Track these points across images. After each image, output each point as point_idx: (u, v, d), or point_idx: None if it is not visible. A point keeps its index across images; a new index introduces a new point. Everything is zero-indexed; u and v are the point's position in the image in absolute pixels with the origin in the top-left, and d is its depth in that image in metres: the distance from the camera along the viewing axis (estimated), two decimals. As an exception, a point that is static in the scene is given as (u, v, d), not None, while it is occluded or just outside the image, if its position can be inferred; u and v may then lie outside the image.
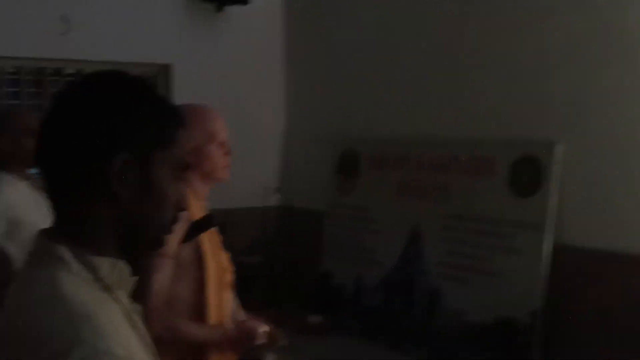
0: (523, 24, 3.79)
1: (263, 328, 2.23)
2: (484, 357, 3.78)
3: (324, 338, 4.55)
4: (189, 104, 2.43)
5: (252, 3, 5.18)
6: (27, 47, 4.56)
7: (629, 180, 3.35)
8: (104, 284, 1.05)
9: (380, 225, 4.60)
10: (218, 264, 2.26)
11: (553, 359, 3.54)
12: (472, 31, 4.09)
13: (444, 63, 4.27)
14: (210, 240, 2.26)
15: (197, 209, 2.24)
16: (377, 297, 4.52)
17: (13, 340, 0.98)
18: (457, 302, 3.98)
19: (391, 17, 4.68)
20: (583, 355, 3.45)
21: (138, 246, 1.11)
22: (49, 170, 1.08)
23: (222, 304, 2.26)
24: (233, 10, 5.20)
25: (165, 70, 5.17)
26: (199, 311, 2.20)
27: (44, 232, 1.09)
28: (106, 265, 1.06)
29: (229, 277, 2.33)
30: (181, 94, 4.93)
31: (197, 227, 2.17)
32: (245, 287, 4.75)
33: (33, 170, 3.02)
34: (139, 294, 1.97)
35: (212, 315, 2.21)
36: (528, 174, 3.73)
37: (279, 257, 5.42)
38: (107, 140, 1.04)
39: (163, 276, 2.11)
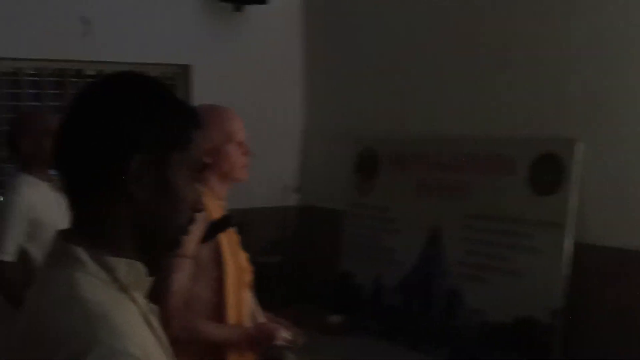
0: (544, 23, 3.77)
1: (282, 328, 2.23)
2: (504, 357, 3.76)
3: (343, 338, 4.55)
4: (207, 104, 2.44)
5: (270, 3, 5.19)
6: (48, 48, 4.60)
7: (650, 179, 3.31)
8: (121, 284, 1.06)
9: (400, 225, 4.59)
10: (237, 264, 2.27)
11: (573, 358, 3.52)
12: (492, 30, 4.07)
13: (463, 61, 4.25)
14: (228, 240, 2.26)
15: (215, 209, 2.24)
16: (396, 297, 4.51)
17: (33, 341, 0.99)
18: (477, 302, 3.96)
19: (411, 16, 4.66)
20: (603, 355, 3.42)
21: (155, 247, 1.12)
22: (67, 171, 1.09)
23: (241, 304, 2.26)
24: (252, 10, 5.21)
25: (184, 70, 5.19)
26: (217, 311, 2.20)
27: (62, 233, 1.09)
28: (123, 265, 1.06)
29: (247, 277, 2.34)
30: (201, 95, 4.95)
31: (216, 227, 2.18)
32: (265, 287, 4.76)
33: (54, 172, 3.05)
34: (157, 295, 1.98)
35: (231, 315, 2.21)
36: (548, 173, 3.70)
37: (298, 257, 5.43)
38: (124, 142, 1.05)
39: (182, 276, 2.11)
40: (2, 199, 3.11)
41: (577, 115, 3.61)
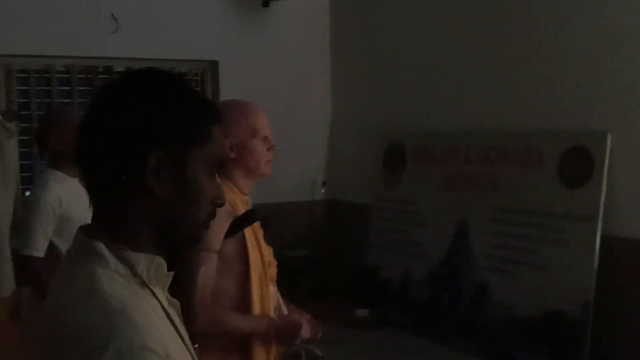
0: (573, 14, 3.72)
1: (306, 321, 2.23)
2: (534, 351, 3.73)
3: (370, 332, 4.55)
4: (231, 100, 2.45)
5: (296, -2, 5.19)
6: (78, 46, 4.66)
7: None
8: (141, 279, 1.07)
9: (427, 218, 4.58)
10: (262, 258, 2.28)
11: (604, 352, 3.48)
12: (521, 21, 4.03)
13: (491, 54, 4.22)
14: (253, 234, 2.27)
15: (240, 204, 2.25)
16: (424, 290, 4.49)
17: (54, 336, 1.00)
18: (506, 296, 3.93)
19: (437, 9, 4.63)
20: (633, 348, 3.38)
21: (175, 242, 1.13)
22: (88, 167, 1.10)
23: (266, 297, 2.27)
24: (278, 5, 5.22)
25: (212, 66, 5.22)
26: (243, 305, 2.21)
27: (83, 229, 1.11)
28: (143, 260, 1.07)
29: (272, 271, 2.34)
30: (228, 90, 4.98)
31: (241, 222, 2.19)
32: (293, 281, 4.80)
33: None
34: (182, 289, 2.00)
35: (256, 310, 2.22)
36: (578, 165, 3.66)
37: (325, 250, 5.44)
38: (142, 138, 1.06)
39: (207, 270, 2.13)
40: (31, 195, 3.16)
41: (606, 107, 3.57)
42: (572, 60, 3.73)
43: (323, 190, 5.54)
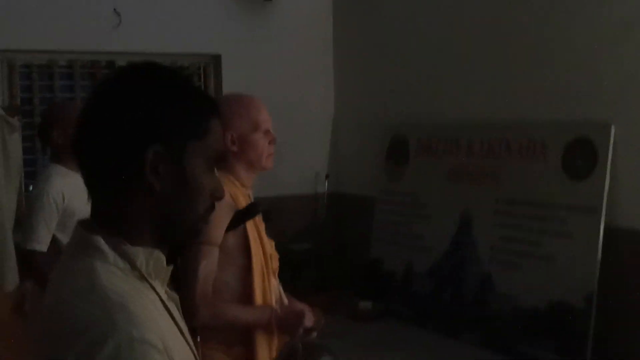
0: (576, 7, 3.70)
1: (308, 312, 2.23)
2: (538, 342, 3.73)
3: (374, 324, 4.55)
4: (233, 93, 2.45)
5: (299, -9, 5.18)
6: (80, 40, 4.66)
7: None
8: (140, 273, 1.07)
9: (431, 211, 4.57)
10: (263, 252, 2.28)
11: (607, 343, 3.48)
12: (523, 15, 4.01)
13: (494, 46, 4.21)
14: (255, 227, 2.27)
15: (242, 197, 2.25)
16: (427, 283, 4.49)
17: (54, 331, 1.00)
18: (510, 288, 3.93)
19: (440, 2, 4.62)
20: (638, 339, 3.38)
21: (174, 236, 1.12)
22: (86, 161, 1.10)
23: (268, 291, 2.27)
24: (281, -1, 5.22)
25: (215, 60, 5.22)
26: (245, 298, 2.22)
27: (82, 223, 1.11)
28: (142, 254, 1.07)
29: (274, 264, 2.35)
30: (231, 84, 4.98)
31: (242, 215, 2.19)
32: (296, 274, 4.81)
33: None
34: (184, 282, 2.00)
35: (258, 302, 2.22)
36: (581, 157, 3.65)
37: (329, 243, 5.44)
38: (140, 132, 1.06)
39: (208, 264, 2.13)
40: (34, 190, 3.16)
41: (610, 99, 3.56)
42: (575, 52, 3.71)
43: (326, 183, 5.54)
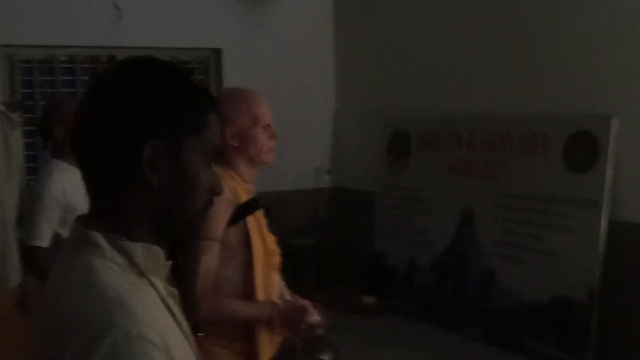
0: (577, 0, 3.69)
1: (310, 307, 2.23)
2: (540, 336, 3.73)
3: (377, 319, 4.56)
4: (233, 88, 2.44)
5: (300, -15, 5.17)
6: (81, 35, 4.66)
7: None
8: (139, 269, 1.07)
9: (432, 205, 4.57)
10: (265, 247, 2.27)
11: (610, 337, 3.47)
12: (525, 7, 4.00)
13: (495, 39, 4.20)
14: (256, 223, 2.27)
15: (242, 192, 2.25)
16: (430, 277, 4.49)
17: (53, 326, 1.00)
18: (512, 282, 3.93)
19: (440, -6, 4.61)
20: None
21: (172, 231, 1.12)
22: (83, 157, 1.10)
23: (270, 286, 2.27)
24: (281, -8, 5.20)
25: (216, 54, 5.21)
26: (246, 293, 2.21)
27: (80, 219, 1.11)
28: (140, 250, 1.07)
29: (276, 259, 2.34)
30: (231, 78, 4.98)
31: (243, 210, 2.18)
32: (298, 269, 4.80)
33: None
34: (183, 278, 2.00)
35: (260, 298, 2.22)
36: (583, 150, 3.64)
37: (331, 238, 5.44)
38: (137, 127, 1.05)
39: (209, 259, 2.12)
40: (35, 185, 3.16)
41: (611, 91, 3.55)
42: (576, 44, 3.70)
43: (328, 178, 5.53)
